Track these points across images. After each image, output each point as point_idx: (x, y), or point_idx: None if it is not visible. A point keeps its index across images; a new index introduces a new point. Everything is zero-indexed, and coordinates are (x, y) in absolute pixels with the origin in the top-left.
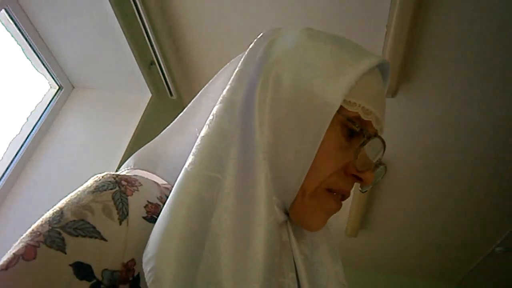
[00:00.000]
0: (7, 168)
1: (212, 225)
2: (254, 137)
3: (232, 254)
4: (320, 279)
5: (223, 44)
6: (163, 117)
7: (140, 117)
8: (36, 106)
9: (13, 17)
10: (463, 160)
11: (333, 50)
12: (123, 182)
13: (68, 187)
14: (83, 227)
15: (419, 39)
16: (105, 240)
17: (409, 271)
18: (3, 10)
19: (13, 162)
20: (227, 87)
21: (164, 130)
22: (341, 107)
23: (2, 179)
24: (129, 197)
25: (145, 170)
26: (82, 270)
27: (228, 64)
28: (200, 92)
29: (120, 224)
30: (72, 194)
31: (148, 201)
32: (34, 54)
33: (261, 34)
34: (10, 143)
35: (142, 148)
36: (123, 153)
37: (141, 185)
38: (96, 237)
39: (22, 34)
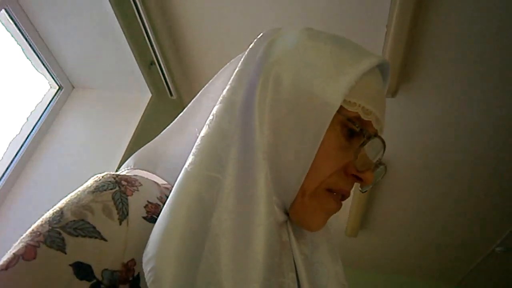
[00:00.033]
0: (7, 168)
1: (212, 225)
2: (254, 137)
3: (232, 254)
4: (320, 279)
5: (223, 44)
6: (163, 117)
7: (140, 117)
8: (36, 106)
9: (13, 17)
10: (463, 160)
11: (333, 50)
12: (123, 182)
13: (68, 187)
14: (83, 227)
15: (419, 39)
16: (105, 240)
17: (409, 271)
18: (3, 10)
19: (13, 162)
20: (227, 87)
21: (164, 130)
22: (341, 107)
23: (2, 179)
24: (129, 197)
25: (145, 170)
26: (82, 270)
27: (228, 64)
28: (200, 92)
29: (120, 224)
30: (72, 194)
31: (148, 201)
32: (34, 54)
33: (261, 34)
34: (10, 143)
35: (142, 148)
36: (123, 153)
37: (141, 185)
38: (96, 237)
39: (22, 34)
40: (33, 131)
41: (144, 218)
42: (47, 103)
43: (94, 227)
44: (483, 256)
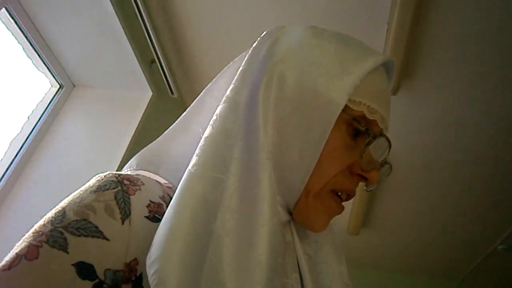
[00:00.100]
0: (8, 167)
1: (216, 227)
2: (258, 137)
3: (235, 254)
4: (324, 279)
5: (223, 43)
6: (164, 116)
7: (141, 116)
8: (37, 105)
9: (13, 16)
10: (463, 160)
11: (337, 48)
12: (125, 182)
13: (69, 186)
14: (86, 226)
15: (420, 38)
16: (107, 239)
17: (411, 269)
18: (3, 9)
19: (14, 161)
20: (231, 87)
21: (167, 130)
22: (346, 106)
23: (3, 178)
24: (131, 197)
25: (148, 171)
26: (84, 270)
27: (231, 62)
28: (203, 91)
29: (123, 223)
30: (75, 193)
31: (150, 201)
32: (35, 53)
33: (265, 32)
34: (11, 142)
35: (145, 148)
36: (124, 152)
37: (143, 184)
38: (98, 237)
39: (23, 33)
40: (34, 130)
41: (147, 217)
42: (48, 102)
43: (96, 227)
44: (485, 255)
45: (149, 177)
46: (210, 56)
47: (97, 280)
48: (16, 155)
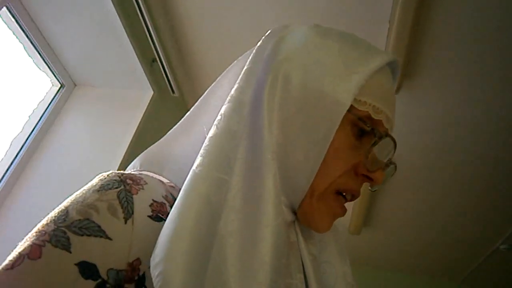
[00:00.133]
0: (9, 167)
1: (220, 228)
2: (263, 137)
3: (239, 254)
4: (328, 279)
5: (224, 43)
6: (165, 115)
7: (142, 115)
8: (38, 104)
9: (14, 14)
10: (463, 160)
11: (342, 47)
12: (128, 181)
13: (70, 185)
14: (88, 226)
15: (421, 38)
16: (110, 239)
17: (412, 269)
18: (4, 8)
19: (15, 161)
20: (235, 86)
21: (170, 131)
22: (351, 106)
23: (4, 178)
24: (134, 196)
25: (152, 172)
26: (87, 269)
27: (235, 61)
28: (206, 91)
29: (125, 223)
30: (77, 192)
31: (153, 200)
32: (36, 52)
33: (270, 31)
34: (12, 141)
35: (148, 149)
36: (125, 151)
37: (146, 183)
38: (101, 236)
39: (24, 32)
40: (35, 129)
41: (150, 216)
42: (49, 101)
43: (99, 226)
44: (486, 255)
45: (152, 177)
46: (211, 55)
47: (100, 280)
48: (17, 154)
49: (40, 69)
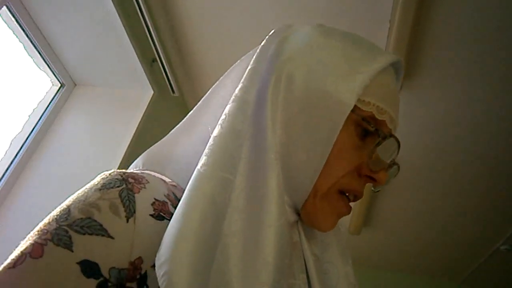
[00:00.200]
0: (8, 166)
1: (224, 228)
2: (266, 137)
3: (242, 255)
4: (330, 279)
5: (224, 42)
6: (165, 115)
7: (142, 114)
8: (38, 104)
9: (14, 14)
10: (463, 160)
11: (345, 47)
12: (130, 180)
13: (70, 185)
14: (90, 225)
15: (421, 38)
16: (112, 238)
17: (412, 269)
18: (4, 7)
19: (15, 160)
20: (240, 86)
21: (173, 130)
22: (354, 106)
23: (4, 178)
24: (136, 195)
25: (154, 171)
26: (89, 268)
27: (238, 61)
28: (209, 91)
29: (127, 221)
30: (79, 191)
31: (155, 199)
32: (36, 51)
33: (273, 30)
34: (12, 141)
35: (150, 148)
36: (125, 150)
37: (148, 182)
38: (103, 235)
39: (24, 32)
40: (35, 128)
41: (151, 215)
42: (49, 100)
43: (101, 225)
44: (487, 255)
45: (154, 176)
46: (211, 55)
47: (101, 279)
48: (17, 154)
49: (40, 69)
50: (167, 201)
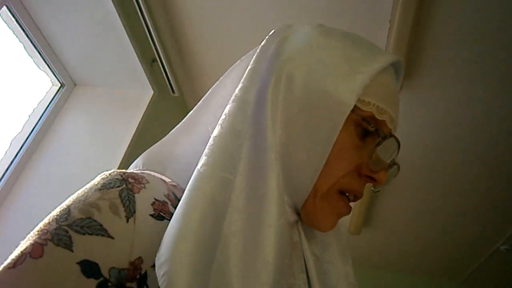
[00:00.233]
0: (8, 166)
1: (224, 228)
2: (266, 137)
3: (242, 255)
4: (330, 279)
5: (224, 42)
6: (165, 115)
7: (142, 114)
8: (38, 104)
9: (14, 14)
10: (463, 160)
11: (345, 47)
12: (130, 180)
13: (70, 185)
14: (90, 225)
15: (421, 38)
16: (112, 238)
17: (412, 269)
18: (4, 7)
19: (15, 160)
20: (240, 86)
21: (173, 130)
22: (354, 106)
23: (3, 178)
24: (136, 195)
25: (154, 171)
26: (89, 268)
27: (238, 61)
28: (209, 91)
29: (127, 221)
30: (79, 191)
31: (155, 199)
32: (36, 51)
33: (273, 30)
34: (12, 141)
35: (150, 148)
36: (125, 150)
37: (148, 182)
38: (103, 235)
39: (24, 32)
40: (35, 129)
41: (151, 215)
42: (49, 100)
43: (101, 225)
44: (487, 255)
45: (154, 176)
46: (211, 55)
47: (101, 279)
48: (17, 154)
49: (40, 69)
50: (167, 201)
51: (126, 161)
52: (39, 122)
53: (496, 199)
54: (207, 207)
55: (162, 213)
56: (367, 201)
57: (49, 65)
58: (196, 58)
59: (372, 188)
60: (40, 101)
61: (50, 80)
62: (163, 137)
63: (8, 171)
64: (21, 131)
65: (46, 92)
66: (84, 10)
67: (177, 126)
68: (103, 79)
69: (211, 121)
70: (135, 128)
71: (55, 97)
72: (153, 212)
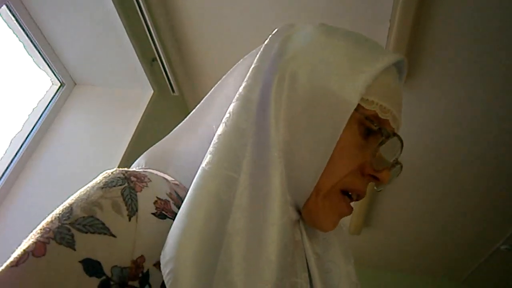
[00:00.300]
0: (8, 166)
1: (228, 226)
2: (270, 135)
3: (245, 253)
4: (332, 278)
5: (224, 42)
6: (165, 114)
7: (142, 114)
8: (38, 103)
9: (14, 13)
10: (463, 160)
11: (348, 47)
12: (132, 178)
13: (70, 184)
14: (92, 223)
15: (421, 38)
16: (114, 236)
17: (412, 269)
18: (4, 6)
19: (14, 160)
20: (244, 84)
21: (176, 128)
22: (358, 105)
23: (3, 177)
24: (138, 193)
25: (156, 170)
26: (91, 266)
27: (241, 60)
28: (212, 89)
29: (129, 220)
30: (81, 190)
31: (157, 197)
32: (35, 50)
33: (276, 30)
34: (12, 140)
35: (153, 146)
36: (124, 150)
37: (150, 181)
38: (105, 234)
39: (24, 31)
40: (35, 128)
41: (154, 214)
42: (49, 100)
43: (103, 224)
44: (487, 255)
45: (156, 174)
46: (211, 54)
47: (104, 277)
48: (17, 153)
49: (40, 68)
50: (169, 199)
51: (126, 161)
52: (38, 122)
53: (496, 199)
54: (211, 206)
55: (164, 212)
56: (368, 201)
57: (49, 64)
58: (196, 58)
59: (375, 188)
60: (40, 100)
61: (50, 80)
62: (163, 136)
63: (8, 170)
64: (20, 130)
65: (46, 91)
66: (84, 9)
67: (179, 125)
68: (103, 79)
69: (215, 119)
70: (135, 128)
71: (55, 97)
72: (155, 211)
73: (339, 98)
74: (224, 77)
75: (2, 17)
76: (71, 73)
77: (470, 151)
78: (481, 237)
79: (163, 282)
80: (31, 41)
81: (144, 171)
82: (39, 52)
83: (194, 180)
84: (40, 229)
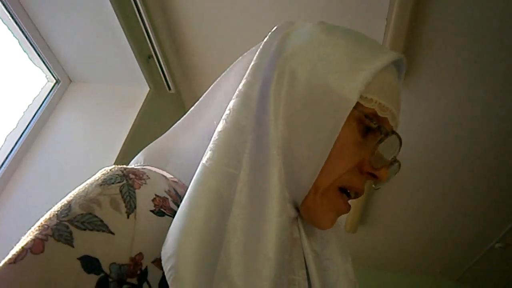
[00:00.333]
0: (3, 163)
1: (228, 223)
2: (269, 132)
3: (244, 250)
4: (330, 276)
5: (221, 40)
6: (161, 111)
7: (138, 111)
8: (33, 100)
9: (9, 9)
10: (463, 160)
11: (347, 45)
12: (131, 175)
13: (65, 182)
14: (91, 220)
15: (419, 35)
16: (112, 233)
17: (408, 267)
18: None
19: (9, 157)
20: (243, 81)
21: (175, 125)
22: (357, 103)
23: None
24: (136, 190)
25: (155, 167)
26: (90, 263)
27: (240, 57)
28: (212, 86)
29: (128, 217)
30: (80, 187)
31: (156, 195)
32: (31, 47)
33: (275, 27)
34: (7, 137)
35: (152, 143)
36: (120, 147)
37: (148, 178)
38: (103, 231)
39: (19, 27)
40: (30, 125)
41: (152, 211)
42: (44, 97)
43: (101, 221)
44: (482, 253)
45: (154, 171)
46: (208, 52)
47: (102, 274)
48: (11, 150)
49: (35, 65)
50: (168, 197)
51: (122, 158)
52: (34, 119)
53: (496, 199)
54: (212, 203)
55: (162, 209)
56: (363, 198)
57: (44, 61)
58: (193, 55)
59: (373, 185)
60: (35, 97)
61: (45, 76)
62: (159, 133)
63: (3, 167)
64: (15, 128)
65: (41, 88)
66: (80, 5)
67: (178, 122)
68: (98, 76)
69: (214, 116)
70: (131, 125)
71: (50, 94)
72: (154, 208)
73: (339, 96)
74: (223, 74)
75: None
76: (66, 70)
77: (470, 151)
78: (476, 236)
79: (161, 279)
80: (26, 37)
81: (142, 168)
82: (34, 49)
83: (195, 176)
84: (39, 226)
